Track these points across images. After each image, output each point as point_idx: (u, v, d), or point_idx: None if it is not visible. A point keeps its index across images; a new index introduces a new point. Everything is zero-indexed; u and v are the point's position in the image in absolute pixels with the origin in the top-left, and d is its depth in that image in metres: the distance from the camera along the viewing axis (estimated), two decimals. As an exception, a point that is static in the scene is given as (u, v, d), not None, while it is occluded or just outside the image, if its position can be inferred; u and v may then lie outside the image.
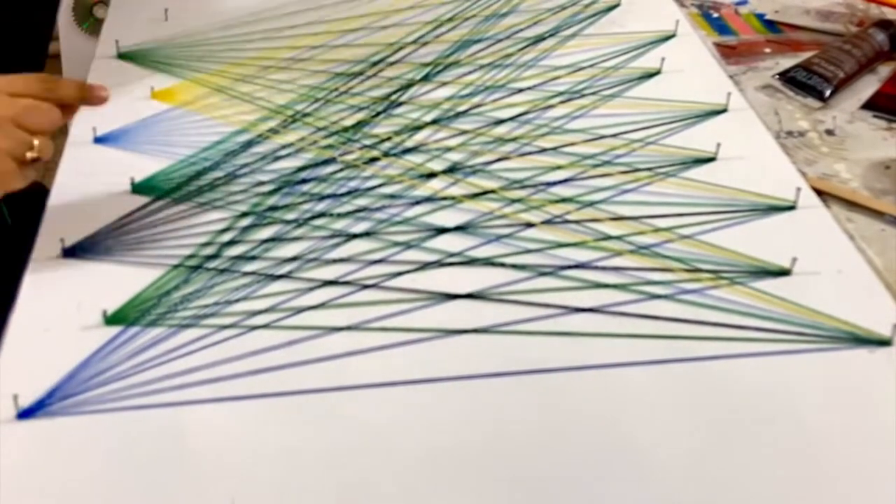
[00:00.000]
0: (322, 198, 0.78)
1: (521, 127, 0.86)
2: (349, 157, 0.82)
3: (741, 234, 0.74)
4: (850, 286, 0.70)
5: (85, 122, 0.85)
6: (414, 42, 0.99)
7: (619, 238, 0.74)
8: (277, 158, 0.82)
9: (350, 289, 0.69)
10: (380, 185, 0.79)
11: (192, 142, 0.84)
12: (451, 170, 0.81)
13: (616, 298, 0.68)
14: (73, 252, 0.72)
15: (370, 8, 1.05)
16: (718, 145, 0.82)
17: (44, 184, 0.81)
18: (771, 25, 1.08)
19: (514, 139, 0.85)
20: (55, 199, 0.77)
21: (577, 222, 0.75)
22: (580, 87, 0.92)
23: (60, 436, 0.58)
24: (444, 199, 0.78)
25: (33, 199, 0.78)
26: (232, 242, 0.73)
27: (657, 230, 0.74)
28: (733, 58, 1.01)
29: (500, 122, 0.87)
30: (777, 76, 0.96)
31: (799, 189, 0.78)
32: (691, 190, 0.79)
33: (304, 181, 0.79)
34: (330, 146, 0.84)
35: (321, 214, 0.76)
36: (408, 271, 0.71)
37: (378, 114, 0.88)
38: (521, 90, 0.91)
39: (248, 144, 0.84)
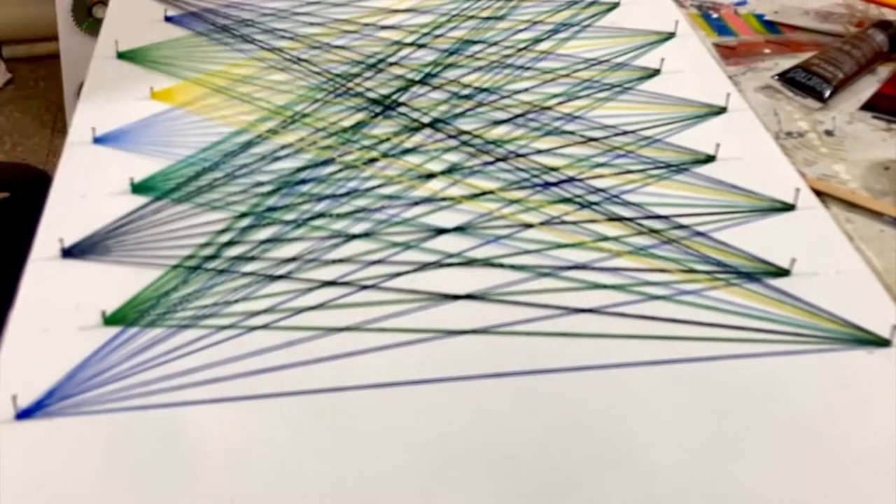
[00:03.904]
0: (321, 198, 0.78)
1: (519, 128, 0.86)
2: (348, 158, 0.82)
3: (740, 234, 0.74)
4: (849, 287, 0.70)
5: (84, 122, 0.85)
6: (413, 43, 0.99)
7: (617, 239, 0.74)
8: (277, 159, 0.82)
9: (349, 289, 0.69)
10: (379, 186, 0.79)
11: (191, 142, 0.84)
12: (450, 171, 0.81)
13: (615, 299, 0.68)
14: (72, 252, 0.72)
15: (370, 8, 1.05)
16: (718, 146, 0.82)
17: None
18: (770, 26, 1.08)
19: (512, 140, 0.85)
20: (55, 199, 0.77)
21: (575, 223, 0.75)
22: (579, 88, 0.92)
23: (59, 436, 0.58)
24: (443, 199, 0.78)
25: (33, 197, 0.78)
26: (231, 243, 0.73)
27: (656, 231, 0.74)
28: (732, 58, 1.01)
29: (499, 122, 0.87)
30: (776, 77, 0.96)
31: (798, 190, 0.78)
32: (690, 191, 0.79)
33: (303, 182, 0.79)
34: (329, 147, 0.84)
35: (320, 215, 0.76)
36: (407, 272, 0.71)
37: (377, 115, 0.88)
38: (520, 91, 0.91)
39: (248, 145, 0.84)
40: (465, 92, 0.91)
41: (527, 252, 0.73)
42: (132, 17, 1.04)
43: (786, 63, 0.98)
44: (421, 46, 0.99)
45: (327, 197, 0.78)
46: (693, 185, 0.79)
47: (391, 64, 0.96)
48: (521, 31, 1.01)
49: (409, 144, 0.84)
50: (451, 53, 0.97)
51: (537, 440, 0.59)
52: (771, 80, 0.96)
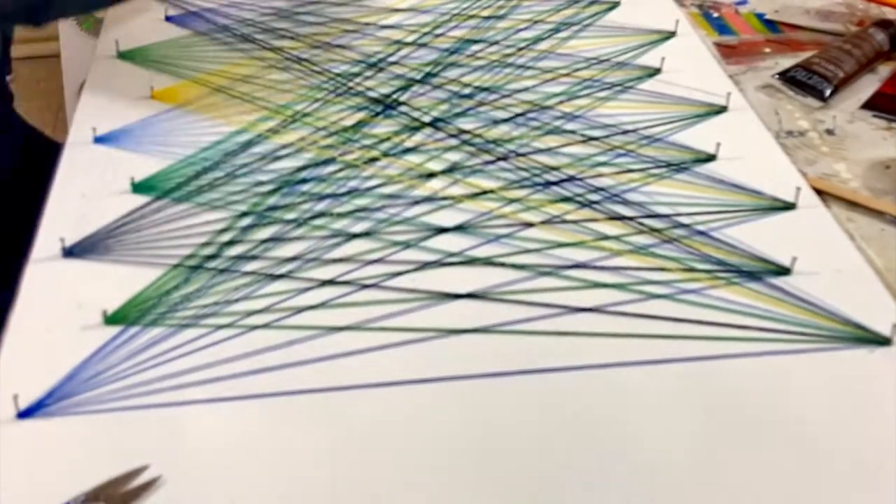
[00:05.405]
0: (322, 198, 0.78)
1: (520, 127, 0.86)
2: (349, 157, 0.82)
3: (741, 233, 0.74)
4: (850, 286, 0.70)
5: (85, 122, 0.85)
6: (414, 42, 0.99)
7: (618, 238, 0.74)
8: (277, 158, 0.82)
9: (350, 288, 0.69)
10: (379, 185, 0.79)
11: (191, 142, 0.84)
12: (451, 170, 0.81)
13: (616, 298, 0.68)
14: (73, 252, 0.72)
15: (371, 7, 1.05)
16: (718, 145, 0.82)
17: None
18: (771, 25, 1.08)
19: (513, 139, 0.85)
20: (55, 199, 0.77)
21: (576, 222, 0.75)
22: (580, 87, 0.92)
23: (60, 436, 0.58)
24: (444, 198, 0.78)
25: (35, 190, 0.78)
26: (232, 242, 0.73)
27: (657, 230, 0.74)
28: (733, 57, 1.01)
29: (500, 122, 0.87)
30: (777, 76, 0.96)
31: (799, 189, 0.78)
32: (691, 190, 0.79)
33: (303, 181, 0.79)
34: (329, 146, 0.84)
35: (321, 214, 0.76)
36: (407, 271, 0.71)
37: (378, 114, 0.88)
38: (520, 90, 0.91)
39: (248, 144, 0.84)
40: (466, 91, 0.91)
41: (527, 251, 0.72)
42: (132, 16, 1.04)
43: (786, 62, 0.98)
44: (421, 46, 0.98)
45: (328, 196, 0.78)
46: (694, 184, 0.79)
47: (392, 63, 0.95)
48: (521, 30, 1.01)
49: (409, 144, 0.84)
50: (452, 53, 0.97)
51: (538, 439, 0.59)
52: (771, 79, 0.96)
